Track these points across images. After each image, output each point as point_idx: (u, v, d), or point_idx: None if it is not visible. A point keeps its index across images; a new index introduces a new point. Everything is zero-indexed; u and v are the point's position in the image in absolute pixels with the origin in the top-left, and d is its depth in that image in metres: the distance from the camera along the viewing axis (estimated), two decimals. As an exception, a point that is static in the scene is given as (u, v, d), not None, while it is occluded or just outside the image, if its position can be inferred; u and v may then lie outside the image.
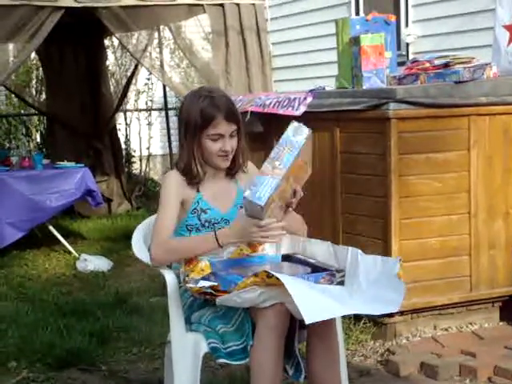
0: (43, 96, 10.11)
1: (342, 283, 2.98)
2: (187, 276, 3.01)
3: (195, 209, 3.15)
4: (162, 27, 7.74)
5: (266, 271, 2.81)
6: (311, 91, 4.89)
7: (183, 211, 3.15)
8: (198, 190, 3.16)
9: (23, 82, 10.49)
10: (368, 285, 2.96)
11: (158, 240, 3.06)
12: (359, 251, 3.09)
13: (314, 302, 2.71)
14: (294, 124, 2.89)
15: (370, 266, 3.01)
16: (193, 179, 3.14)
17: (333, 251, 3.18)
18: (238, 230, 2.97)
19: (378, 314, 2.92)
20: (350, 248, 3.13)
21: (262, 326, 2.86)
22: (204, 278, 2.99)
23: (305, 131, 2.88)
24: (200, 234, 3.13)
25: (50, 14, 6.33)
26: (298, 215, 3.22)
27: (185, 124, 3.10)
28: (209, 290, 2.92)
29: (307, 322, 2.64)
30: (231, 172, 3.24)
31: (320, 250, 3.22)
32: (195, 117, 3.06)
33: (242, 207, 3.16)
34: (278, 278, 2.74)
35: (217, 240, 3.00)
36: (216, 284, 2.93)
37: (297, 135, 2.85)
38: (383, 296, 2.88)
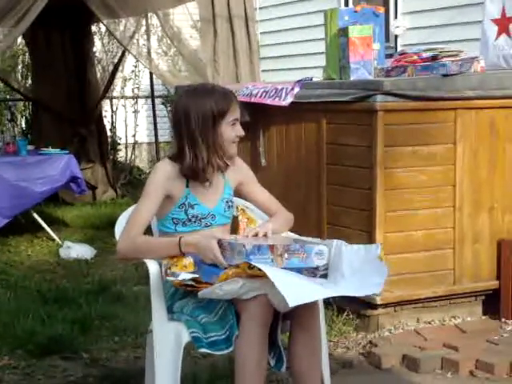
0: (29, 81, 10.03)
1: (325, 276, 2.98)
2: (169, 269, 3.00)
3: (183, 203, 3.12)
4: (149, 14, 7.69)
5: (247, 262, 2.80)
6: (299, 82, 4.88)
7: (170, 204, 3.13)
8: (187, 185, 3.13)
9: (9, 66, 10.40)
10: (351, 272, 2.98)
11: (128, 234, 3.07)
12: (343, 242, 3.09)
13: (296, 286, 2.73)
14: (323, 248, 2.94)
15: (353, 255, 3.02)
16: (197, 177, 3.11)
17: None
18: (200, 247, 2.97)
19: (361, 295, 2.93)
20: (335, 240, 3.12)
21: (245, 318, 2.87)
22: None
23: (323, 261, 2.92)
24: (167, 238, 3.12)
25: (37, -1, 6.28)
26: (288, 213, 3.29)
27: (198, 119, 3.05)
28: (190, 283, 2.91)
29: (291, 304, 2.64)
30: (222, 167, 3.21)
31: None
32: (211, 108, 3.05)
33: (227, 202, 3.18)
34: (259, 269, 2.74)
35: (180, 248, 3.00)
36: (197, 276, 2.92)
37: (316, 257, 2.91)
38: (366, 279, 2.90)
